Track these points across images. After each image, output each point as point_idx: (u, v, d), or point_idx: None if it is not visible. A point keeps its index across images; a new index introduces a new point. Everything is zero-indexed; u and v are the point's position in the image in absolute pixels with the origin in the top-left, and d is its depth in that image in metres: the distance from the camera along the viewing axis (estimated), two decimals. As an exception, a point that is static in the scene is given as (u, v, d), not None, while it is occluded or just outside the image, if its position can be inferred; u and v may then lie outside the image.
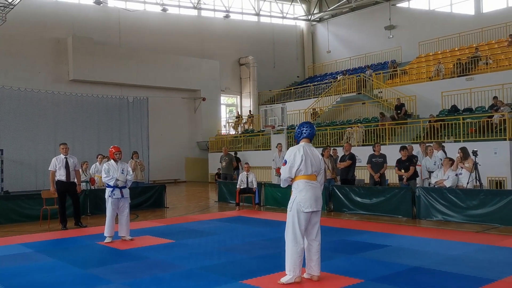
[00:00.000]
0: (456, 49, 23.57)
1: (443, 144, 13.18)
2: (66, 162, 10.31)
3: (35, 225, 10.75)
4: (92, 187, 13.47)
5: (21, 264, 6.93)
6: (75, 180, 10.53)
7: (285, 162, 5.65)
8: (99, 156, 14.30)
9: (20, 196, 12.19)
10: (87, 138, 22.44)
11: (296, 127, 5.96)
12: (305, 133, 5.81)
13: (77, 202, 10.62)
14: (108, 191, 8.60)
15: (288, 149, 6.06)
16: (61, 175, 10.27)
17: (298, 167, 5.57)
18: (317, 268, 5.61)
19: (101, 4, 25.00)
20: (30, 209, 11.47)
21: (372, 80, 23.01)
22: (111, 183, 8.52)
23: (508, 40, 21.06)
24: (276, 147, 16.61)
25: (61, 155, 10.38)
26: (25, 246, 8.36)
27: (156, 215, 12.61)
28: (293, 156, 5.62)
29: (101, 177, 13.90)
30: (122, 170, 8.67)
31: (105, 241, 8.47)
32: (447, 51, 23.89)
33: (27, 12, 21.92)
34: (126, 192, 8.70)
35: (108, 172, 8.60)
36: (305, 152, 5.62)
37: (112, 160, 8.78)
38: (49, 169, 10.43)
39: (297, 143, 5.86)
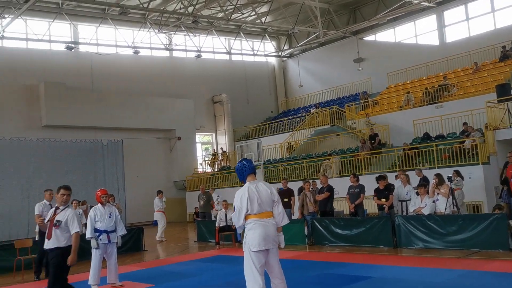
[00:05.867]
0: (424, 78, 24.24)
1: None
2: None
3: (8, 277, 10.32)
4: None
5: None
6: None
7: (234, 209, 5.51)
8: (73, 202, 13.96)
9: (-8, 247, 11.73)
10: (61, 183, 21.75)
11: (236, 168, 5.77)
12: (247, 169, 5.62)
13: None
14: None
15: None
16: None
17: (246, 210, 5.41)
18: None
19: (73, 50, 25.02)
20: (3, 260, 10.97)
21: (341, 112, 23.38)
22: (88, 236, 8.11)
23: (473, 67, 21.84)
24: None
25: (45, 201, 9.83)
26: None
27: (135, 259, 12.28)
28: (239, 201, 5.46)
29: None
30: (110, 214, 8.34)
31: None
32: (415, 80, 24.55)
33: (-4, 59, 21.77)
34: (114, 236, 8.34)
35: (93, 219, 8.18)
36: (251, 193, 5.44)
37: (99, 204, 8.40)
38: (35, 213, 9.57)
39: (244, 181, 5.67)
